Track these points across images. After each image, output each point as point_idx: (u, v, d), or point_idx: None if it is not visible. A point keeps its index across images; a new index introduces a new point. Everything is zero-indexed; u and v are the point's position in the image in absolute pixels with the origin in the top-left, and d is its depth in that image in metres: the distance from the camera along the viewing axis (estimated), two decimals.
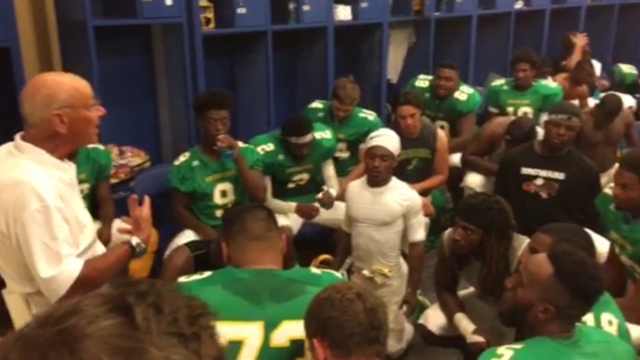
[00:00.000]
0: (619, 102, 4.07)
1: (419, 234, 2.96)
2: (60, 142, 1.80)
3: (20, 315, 1.86)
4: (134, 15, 3.47)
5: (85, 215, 1.95)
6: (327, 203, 3.48)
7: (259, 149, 3.48)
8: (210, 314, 0.62)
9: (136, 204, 1.97)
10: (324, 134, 3.65)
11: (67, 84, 1.80)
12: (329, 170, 3.70)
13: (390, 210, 2.89)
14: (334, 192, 3.53)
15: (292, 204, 3.55)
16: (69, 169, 1.90)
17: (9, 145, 1.81)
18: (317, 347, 1.44)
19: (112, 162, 3.43)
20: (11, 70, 3.03)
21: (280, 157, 3.52)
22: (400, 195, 2.92)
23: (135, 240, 1.94)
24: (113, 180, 3.46)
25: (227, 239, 1.85)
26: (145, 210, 1.99)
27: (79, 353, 0.52)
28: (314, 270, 1.91)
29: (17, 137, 1.80)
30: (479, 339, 2.48)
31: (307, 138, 3.43)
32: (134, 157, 3.76)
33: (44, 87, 1.78)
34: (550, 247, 1.89)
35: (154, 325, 0.55)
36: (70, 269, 1.75)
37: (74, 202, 1.86)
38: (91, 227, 1.99)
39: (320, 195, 3.51)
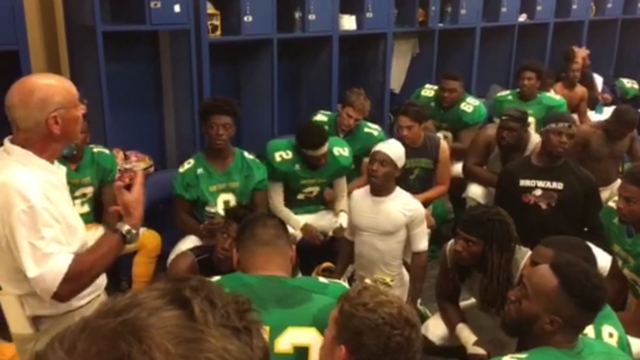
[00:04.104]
0: (635, 113, 4.08)
1: (423, 243, 2.97)
2: (51, 142, 1.79)
3: (15, 317, 1.86)
4: (143, 22, 3.49)
5: (75, 218, 1.93)
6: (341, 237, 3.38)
7: (277, 155, 3.45)
8: (255, 310, 0.64)
9: (122, 191, 1.88)
10: (342, 151, 3.58)
11: (58, 86, 1.80)
12: (342, 184, 3.63)
13: (393, 219, 2.91)
14: (344, 222, 3.41)
15: (300, 221, 3.50)
16: (58, 171, 1.88)
17: None
18: (342, 354, 1.43)
19: (117, 166, 3.45)
20: (20, 74, 3.04)
21: (297, 166, 3.48)
22: (404, 204, 2.93)
23: (125, 228, 1.86)
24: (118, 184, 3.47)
25: (237, 244, 1.88)
26: (134, 191, 1.89)
27: (146, 341, 0.54)
28: (321, 279, 1.92)
29: (6, 140, 1.80)
30: (480, 350, 2.48)
31: (323, 149, 3.39)
32: (139, 162, 3.77)
33: (38, 91, 1.75)
34: (551, 259, 1.90)
35: (210, 318, 0.58)
36: (57, 266, 1.73)
37: (62, 204, 1.84)
38: (82, 230, 1.96)
39: (332, 233, 3.45)
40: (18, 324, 1.86)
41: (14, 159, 1.76)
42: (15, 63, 3.04)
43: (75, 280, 1.76)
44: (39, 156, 1.78)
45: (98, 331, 0.56)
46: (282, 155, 3.46)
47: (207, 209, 2.97)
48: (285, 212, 3.46)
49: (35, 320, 1.85)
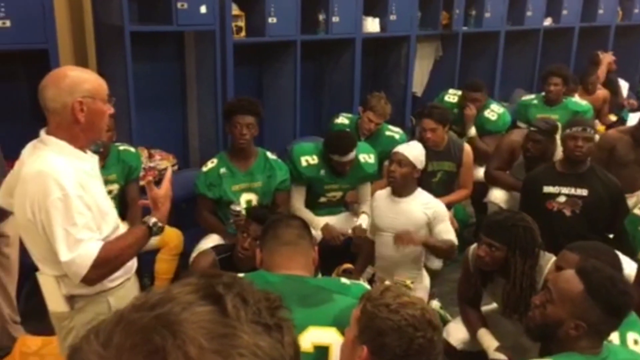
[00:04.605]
0: None
1: (449, 236, 2.94)
2: (77, 131, 1.87)
3: (52, 296, 1.96)
4: (170, 22, 3.53)
5: (107, 204, 2.02)
6: (361, 236, 3.37)
7: (303, 160, 3.45)
8: (285, 307, 0.64)
9: (151, 186, 2.01)
10: (368, 158, 3.57)
11: (90, 77, 1.90)
12: (366, 189, 3.62)
13: (414, 219, 2.91)
14: (364, 223, 3.41)
15: (321, 222, 3.49)
16: (90, 159, 1.98)
17: (34, 141, 1.91)
18: (363, 354, 1.44)
19: (142, 164, 3.49)
20: (49, 72, 3.08)
21: (322, 172, 3.48)
22: (424, 204, 2.93)
23: (152, 220, 1.98)
24: (141, 183, 3.52)
25: (261, 244, 1.90)
26: (163, 186, 2.02)
27: (181, 335, 0.54)
28: (343, 279, 1.93)
29: (42, 132, 1.90)
30: (502, 356, 2.46)
31: (351, 156, 3.39)
32: (163, 161, 3.81)
33: (70, 76, 1.85)
34: (577, 265, 1.88)
35: (243, 314, 0.58)
36: (87, 252, 1.83)
37: (95, 191, 1.94)
38: (113, 215, 2.05)
39: (351, 231, 3.44)
40: (55, 302, 1.96)
41: (50, 148, 1.85)
42: (44, 61, 3.09)
43: (103, 266, 1.86)
44: (72, 146, 1.87)
45: (133, 325, 0.56)
46: (308, 160, 3.46)
47: (232, 207, 3.01)
48: (306, 213, 3.47)
49: (71, 299, 1.95)
